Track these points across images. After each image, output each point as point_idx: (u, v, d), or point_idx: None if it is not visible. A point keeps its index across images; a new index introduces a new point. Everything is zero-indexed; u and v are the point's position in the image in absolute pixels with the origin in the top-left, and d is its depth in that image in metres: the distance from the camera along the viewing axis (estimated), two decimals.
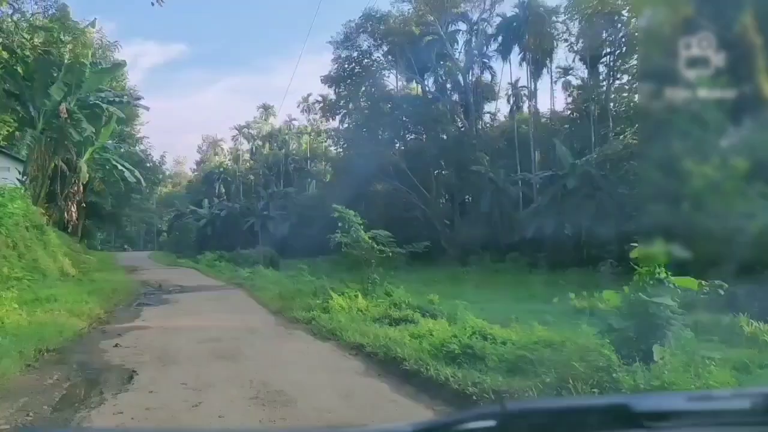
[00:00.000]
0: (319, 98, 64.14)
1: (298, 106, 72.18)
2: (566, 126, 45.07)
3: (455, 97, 47.13)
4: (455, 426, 1.26)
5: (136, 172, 30.81)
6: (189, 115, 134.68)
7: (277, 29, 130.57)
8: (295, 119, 76.83)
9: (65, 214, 28.85)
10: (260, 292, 16.82)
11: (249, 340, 8.88)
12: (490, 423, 1.23)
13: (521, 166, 40.60)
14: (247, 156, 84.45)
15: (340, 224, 13.76)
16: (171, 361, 7.25)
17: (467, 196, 44.53)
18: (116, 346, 8.54)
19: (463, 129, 45.48)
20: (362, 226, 13.75)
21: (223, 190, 79.21)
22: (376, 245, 13.72)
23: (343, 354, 7.78)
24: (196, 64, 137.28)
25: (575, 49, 42.93)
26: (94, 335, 9.67)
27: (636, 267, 6.51)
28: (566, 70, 45.65)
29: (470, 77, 46.10)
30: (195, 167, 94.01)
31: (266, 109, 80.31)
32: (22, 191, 23.37)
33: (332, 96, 54.03)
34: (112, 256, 47.08)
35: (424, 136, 46.61)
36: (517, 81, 47.67)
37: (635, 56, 37.70)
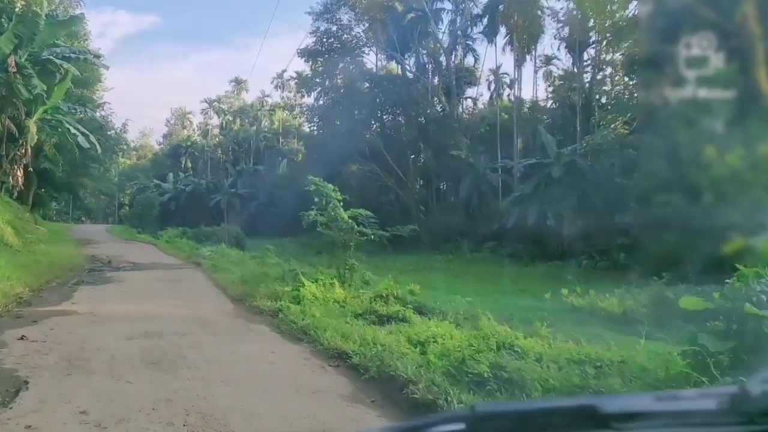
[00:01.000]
0: (294, 74, 61.91)
1: (272, 82, 69.71)
2: (545, 117, 43.96)
3: (436, 79, 45.42)
4: (424, 430, 1.19)
5: (92, 137, 28.20)
6: (159, 88, 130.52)
7: (253, 6, 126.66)
8: (268, 95, 74.10)
9: (10, 179, 26.20)
10: (221, 273, 14.81)
11: (197, 338, 6.93)
12: (460, 426, 1.18)
13: (502, 153, 39.13)
14: (216, 131, 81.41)
15: (316, 200, 11.82)
16: (81, 368, 5.30)
17: (445, 183, 42.88)
18: (22, 338, 6.54)
19: (443, 112, 43.71)
20: (341, 204, 11.85)
21: (190, 165, 76.23)
22: (356, 226, 11.84)
23: (321, 364, 5.88)
24: (169, 37, 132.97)
25: (561, 35, 41.44)
26: (3, 321, 7.62)
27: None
28: (549, 59, 44.49)
29: (453, 59, 44.34)
30: (162, 140, 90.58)
31: (238, 84, 77.35)
32: None
33: (308, 72, 51.94)
34: (67, 228, 44.47)
35: (402, 118, 44.73)
36: (499, 66, 46.38)
37: (624, 46, 36.45)
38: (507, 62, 61.47)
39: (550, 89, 45.56)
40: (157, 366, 5.46)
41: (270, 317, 8.57)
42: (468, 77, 46.15)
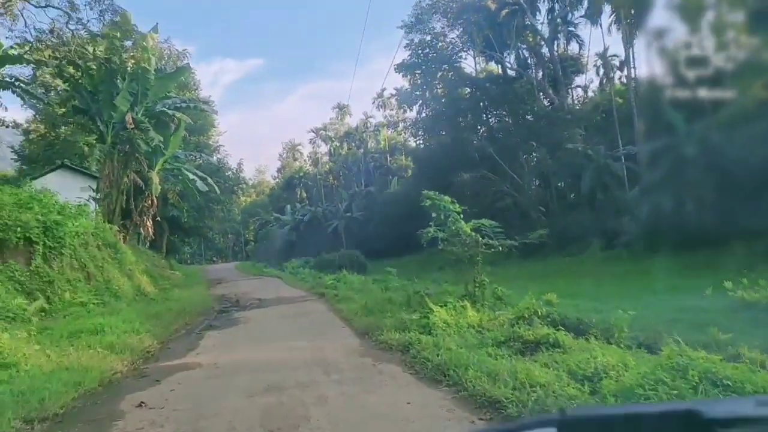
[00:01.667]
0: (394, 91, 62.08)
1: (373, 102, 70.52)
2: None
3: (540, 73, 43.28)
4: None
5: (209, 180, 29.22)
6: (269, 126, 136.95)
7: (346, 34, 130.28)
8: (371, 116, 74.93)
9: (141, 230, 27.62)
10: (344, 303, 14.20)
11: (321, 389, 6.13)
12: (550, 431, 1.14)
13: (622, 140, 36.24)
14: (325, 158, 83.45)
15: (434, 215, 10.85)
16: None
17: (563, 180, 40.43)
18: (140, 405, 6.06)
19: (551, 106, 41.44)
20: (461, 216, 10.80)
21: (305, 195, 78.48)
22: (481, 238, 10.74)
23: (469, 417, 4.79)
24: (272, 76, 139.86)
25: (674, 4, 37.96)
26: (126, 384, 7.28)
27: None
28: (662, 32, 40.97)
29: (555, 49, 42.04)
30: (276, 175, 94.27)
31: (341, 109, 78.84)
32: (90, 208, 22.11)
33: (407, 86, 51.74)
34: (200, 270, 46.63)
35: (509, 118, 42.95)
36: (607, 49, 43.46)
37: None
38: (615, 43, 57.95)
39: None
40: None
41: (400, 353, 7.64)
42: (574, 66, 43.66)
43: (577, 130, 36.09)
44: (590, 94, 45.74)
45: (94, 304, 16.27)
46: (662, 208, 28.83)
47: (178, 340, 11.01)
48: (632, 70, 39.83)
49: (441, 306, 9.34)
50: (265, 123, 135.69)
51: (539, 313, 7.94)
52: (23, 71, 29.62)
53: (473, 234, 10.64)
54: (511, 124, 41.69)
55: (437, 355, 6.65)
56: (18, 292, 14.85)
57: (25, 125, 37.09)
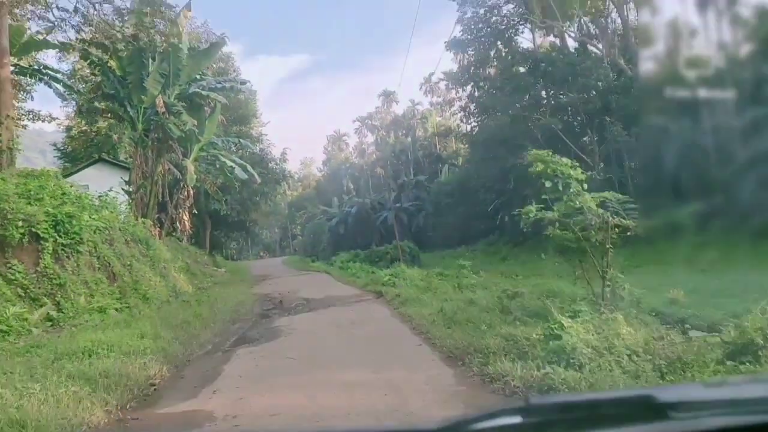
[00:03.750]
0: (442, 76, 58.88)
1: (420, 88, 67.40)
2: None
3: (606, 43, 39.24)
4: (480, 423, 1.16)
5: (249, 168, 26.59)
6: (314, 122, 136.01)
7: (393, 29, 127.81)
8: (418, 103, 71.73)
9: (177, 224, 25.23)
10: (411, 306, 11.14)
11: None
12: (516, 419, 1.16)
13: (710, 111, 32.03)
14: (372, 149, 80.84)
15: (548, 185, 7.65)
16: None
17: (641, 159, 36.36)
18: None
19: (621, 78, 37.40)
20: (585, 187, 7.61)
21: (352, 186, 75.91)
22: (611, 218, 7.54)
23: None
24: (317, 71, 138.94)
25: None
26: None
27: None
28: None
29: (626, 12, 37.96)
30: (322, 167, 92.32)
31: (387, 96, 75.86)
32: (117, 201, 19.80)
33: (457, 68, 48.60)
34: (247, 265, 44.65)
35: (573, 94, 39.09)
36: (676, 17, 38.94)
37: None
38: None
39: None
40: None
41: None
42: (643, 38, 39.48)
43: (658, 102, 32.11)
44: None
45: (115, 309, 13.84)
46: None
47: (198, 362, 8.22)
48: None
49: (571, 317, 6.22)
50: (310, 118, 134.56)
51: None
52: (63, 66, 27.91)
53: (601, 212, 7.44)
54: (576, 99, 37.83)
55: None
56: (20, 298, 12.42)
57: (66, 122, 35.58)
